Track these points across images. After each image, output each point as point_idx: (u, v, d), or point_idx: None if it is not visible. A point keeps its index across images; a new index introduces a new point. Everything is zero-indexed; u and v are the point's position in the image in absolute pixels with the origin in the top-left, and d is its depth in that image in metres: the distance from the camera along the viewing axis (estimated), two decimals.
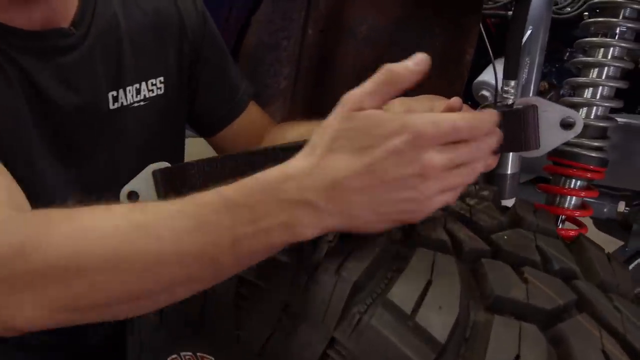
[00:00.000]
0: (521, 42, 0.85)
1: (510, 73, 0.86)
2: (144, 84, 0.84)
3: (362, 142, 0.47)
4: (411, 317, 0.46)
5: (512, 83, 0.86)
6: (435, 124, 0.47)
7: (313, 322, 0.52)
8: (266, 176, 0.49)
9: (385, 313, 0.48)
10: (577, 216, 0.92)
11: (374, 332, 0.47)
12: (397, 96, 0.52)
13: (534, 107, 0.63)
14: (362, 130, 0.48)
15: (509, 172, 0.92)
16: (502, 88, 0.88)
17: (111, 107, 0.81)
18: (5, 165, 0.64)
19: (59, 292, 0.49)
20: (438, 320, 0.46)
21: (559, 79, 1.28)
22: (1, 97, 0.69)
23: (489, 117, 0.52)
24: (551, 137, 0.64)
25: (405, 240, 0.55)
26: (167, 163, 0.70)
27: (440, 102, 0.67)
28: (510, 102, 0.88)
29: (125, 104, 0.82)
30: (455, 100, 0.63)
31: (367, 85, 0.50)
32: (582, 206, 0.92)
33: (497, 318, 0.46)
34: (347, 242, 0.54)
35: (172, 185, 0.69)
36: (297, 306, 0.53)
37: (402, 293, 0.48)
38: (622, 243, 1.34)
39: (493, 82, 1.23)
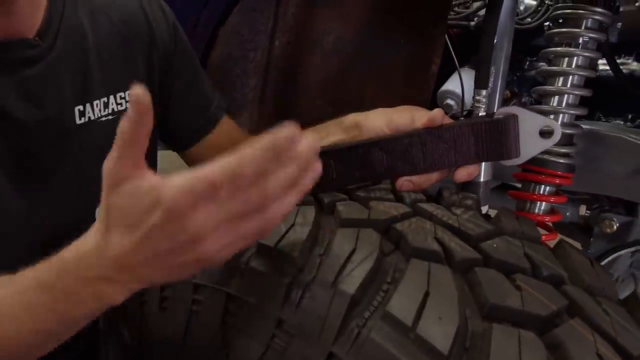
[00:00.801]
0: (492, 51, 0.87)
1: (482, 82, 0.88)
2: (112, 97, 0.81)
3: (127, 219, 0.48)
4: (412, 329, 0.46)
5: (484, 92, 0.88)
6: (187, 192, 0.45)
7: (309, 337, 0.51)
8: (66, 256, 0.52)
9: (385, 326, 0.47)
10: (547, 221, 0.94)
11: (375, 345, 0.47)
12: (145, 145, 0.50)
13: (515, 117, 0.64)
14: (124, 209, 0.48)
15: (482, 179, 0.93)
16: (473, 97, 0.89)
17: (78, 122, 0.77)
18: None
19: None
20: (439, 331, 0.46)
21: (520, 87, 1.32)
22: None
23: (258, 154, 0.45)
24: (530, 145, 0.66)
25: (397, 252, 0.55)
26: None
27: (421, 112, 0.67)
28: (481, 111, 0.90)
29: (92, 118, 0.79)
30: (437, 112, 0.64)
31: (113, 152, 0.49)
32: (552, 211, 0.94)
33: (495, 326, 0.47)
34: (338, 256, 0.53)
35: None
36: (292, 322, 0.53)
37: (401, 305, 0.48)
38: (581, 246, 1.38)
39: (457, 90, 1.26)
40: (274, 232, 0.58)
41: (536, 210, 0.93)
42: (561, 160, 0.90)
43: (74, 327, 0.54)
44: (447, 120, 0.66)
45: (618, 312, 0.53)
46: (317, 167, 0.49)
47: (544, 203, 0.93)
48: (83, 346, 0.87)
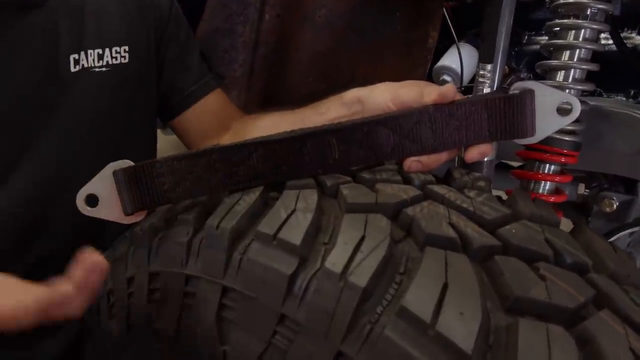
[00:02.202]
0: (498, 23, 0.82)
1: (487, 56, 0.83)
2: (107, 50, 0.82)
3: None
4: (431, 325, 0.42)
5: (489, 67, 0.84)
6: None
7: (315, 334, 0.47)
8: None
9: (400, 322, 0.43)
10: (553, 202, 0.90)
11: (390, 343, 0.43)
12: None
13: (531, 92, 0.60)
14: None
15: (485, 158, 0.89)
16: (476, 72, 0.85)
17: (72, 70, 0.78)
18: None
19: None
20: (461, 328, 0.41)
21: (518, 62, 1.28)
22: None
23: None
24: (547, 123, 0.61)
25: (408, 239, 0.51)
26: (130, 162, 0.63)
27: (431, 87, 0.63)
28: (486, 87, 0.85)
29: (86, 66, 0.79)
30: (449, 87, 0.59)
31: None
32: (556, 191, 0.91)
33: (522, 321, 0.43)
34: (345, 244, 0.49)
35: (138, 185, 0.62)
36: (295, 317, 0.48)
37: (418, 299, 0.43)
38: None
39: (454, 66, 1.21)
40: (273, 218, 0.53)
41: (540, 190, 0.90)
42: (567, 138, 0.86)
43: None
44: (458, 96, 0.61)
45: None
46: None
47: (548, 183, 0.89)
48: (70, 336, 0.84)
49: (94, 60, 0.80)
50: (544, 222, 0.55)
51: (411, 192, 0.55)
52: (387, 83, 0.69)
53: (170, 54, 0.93)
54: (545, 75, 0.90)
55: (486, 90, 0.83)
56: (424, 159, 0.60)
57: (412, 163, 0.60)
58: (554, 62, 0.87)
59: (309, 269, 0.48)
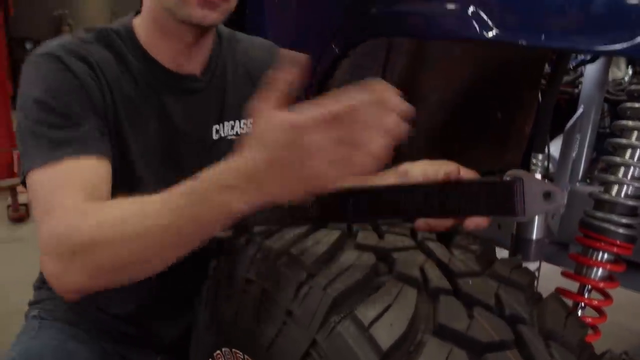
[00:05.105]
0: (549, 116, 0.94)
1: (539, 146, 0.95)
2: (237, 122, 1.06)
3: (263, 139, 0.61)
4: (367, 329, 0.60)
5: (540, 156, 0.96)
6: (311, 117, 0.57)
7: (303, 325, 0.66)
8: (213, 169, 0.64)
9: (351, 324, 0.61)
10: (602, 287, 0.97)
11: (340, 337, 0.61)
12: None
13: (520, 180, 0.74)
14: (262, 131, 0.61)
15: (534, 237, 0.99)
16: (530, 160, 0.97)
17: (214, 137, 1.03)
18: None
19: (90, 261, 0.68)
20: (386, 333, 0.59)
21: None
22: (137, 118, 0.93)
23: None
24: (536, 206, 0.74)
25: (388, 274, 0.68)
26: None
27: (445, 167, 0.80)
28: (537, 175, 0.98)
29: (222, 135, 1.04)
30: (453, 168, 0.76)
31: (262, 94, 0.62)
32: (609, 278, 0.97)
33: (432, 339, 0.58)
34: (338, 268, 0.68)
35: None
36: (296, 312, 0.68)
37: (366, 311, 0.61)
38: None
39: (555, 155, 1.32)
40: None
41: (592, 275, 0.97)
42: (621, 230, 0.93)
43: (202, 232, 0.66)
44: (467, 174, 0.77)
45: (565, 356, 0.61)
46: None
47: (600, 269, 0.96)
48: (185, 322, 1.09)
49: (228, 130, 1.03)
50: (506, 283, 0.68)
51: (407, 242, 0.73)
52: (424, 161, 0.87)
53: None
54: (607, 170, 0.99)
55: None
56: (431, 221, 0.77)
57: (420, 223, 0.77)
58: (615, 159, 0.96)
59: (311, 281, 0.68)
